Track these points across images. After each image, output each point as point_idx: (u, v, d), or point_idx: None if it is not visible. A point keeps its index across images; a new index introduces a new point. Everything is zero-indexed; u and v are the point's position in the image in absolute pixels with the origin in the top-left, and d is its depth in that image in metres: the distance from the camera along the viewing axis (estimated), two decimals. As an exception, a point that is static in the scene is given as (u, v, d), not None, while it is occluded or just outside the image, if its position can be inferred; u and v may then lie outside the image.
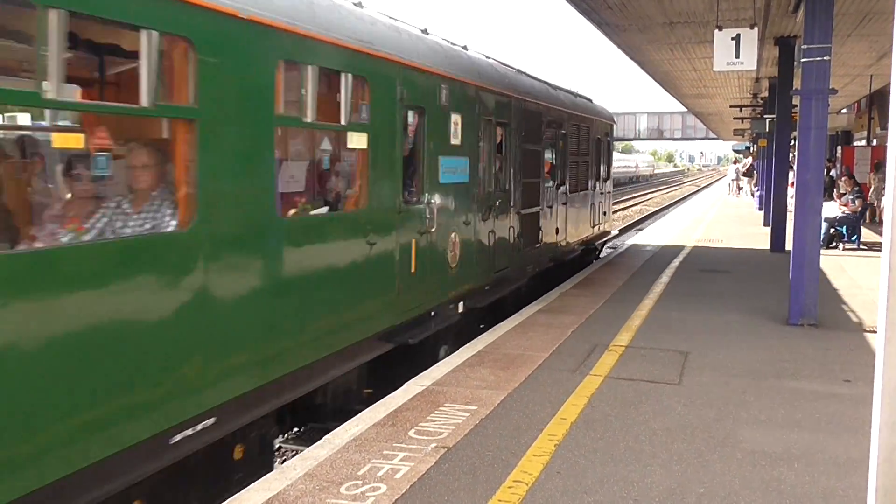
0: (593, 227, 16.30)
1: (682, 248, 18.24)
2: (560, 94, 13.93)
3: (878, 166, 25.07)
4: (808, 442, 5.79)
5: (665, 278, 13.44)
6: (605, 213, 17.58)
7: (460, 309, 9.14)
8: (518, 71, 12.09)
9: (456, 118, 8.77)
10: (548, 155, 12.88)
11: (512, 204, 10.89)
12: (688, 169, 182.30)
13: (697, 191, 66.23)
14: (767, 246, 17.55)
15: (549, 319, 9.88)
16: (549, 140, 12.79)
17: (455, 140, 8.80)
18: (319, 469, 5.13)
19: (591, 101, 16.92)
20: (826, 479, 5.11)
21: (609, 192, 18.24)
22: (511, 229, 10.90)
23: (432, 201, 8.17)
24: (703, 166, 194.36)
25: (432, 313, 8.37)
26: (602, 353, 8.19)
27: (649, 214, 39.70)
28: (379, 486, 4.86)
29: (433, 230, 8.16)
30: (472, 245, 9.44)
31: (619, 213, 41.18)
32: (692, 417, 6.26)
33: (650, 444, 5.65)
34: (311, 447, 5.58)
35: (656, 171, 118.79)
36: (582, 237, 15.34)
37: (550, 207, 12.85)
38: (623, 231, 30.71)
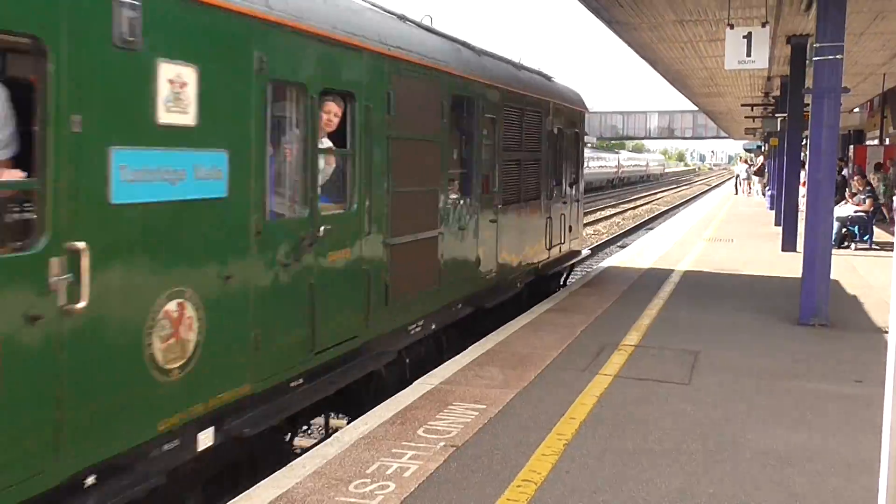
0: (550, 249, 12.19)
1: (692, 247, 18.18)
2: (487, 63, 9.60)
3: (878, 166, 25.04)
4: (819, 443, 5.76)
5: (675, 278, 13.40)
6: (570, 229, 13.45)
7: (206, 442, 4.92)
8: (401, 17, 7.82)
9: (179, 73, 4.57)
10: (460, 150, 8.96)
11: (368, 230, 6.68)
12: (698, 168, 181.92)
13: (708, 190, 66.07)
14: (779, 246, 17.47)
15: (559, 318, 9.87)
16: (461, 128, 8.90)
17: (175, 115, 4.57)
18: (328, 467, 5.14)
19: (549, 78, 12.68)
20: (836, 481, 5.09)
21: (578, 201, 14.17)
22: (365, 273, 6.64)
23: (75, 245, 3.93)
24: (714, 165, 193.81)
25: (87, 481, 4.08)
26: (612, 352, 8.18)
27: (659, 213, 39.62)
28: (388, 484, 4.87)
29: (84, 305, 3.94)
30: (241, 317, 5.14)
31: (629, 212, 41.15)
32: (702, 417, 6.24)
33: (660, 444, 5.63)
34: (319, 445, 5.59)
35: (667, 170, 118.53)
36: (530, 264, 11.29)
37: (463, 229, 8.69)
38: (633, 230, 30.67)
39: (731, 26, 12.18)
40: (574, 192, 13.73)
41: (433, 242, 8.03)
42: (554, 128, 12.14)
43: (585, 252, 15.43)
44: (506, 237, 10.10)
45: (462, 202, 8.78)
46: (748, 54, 12.11)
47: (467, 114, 8.95)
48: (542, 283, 12.26)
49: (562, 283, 14.17)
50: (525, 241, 10.99)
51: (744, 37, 12.11)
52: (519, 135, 10.57)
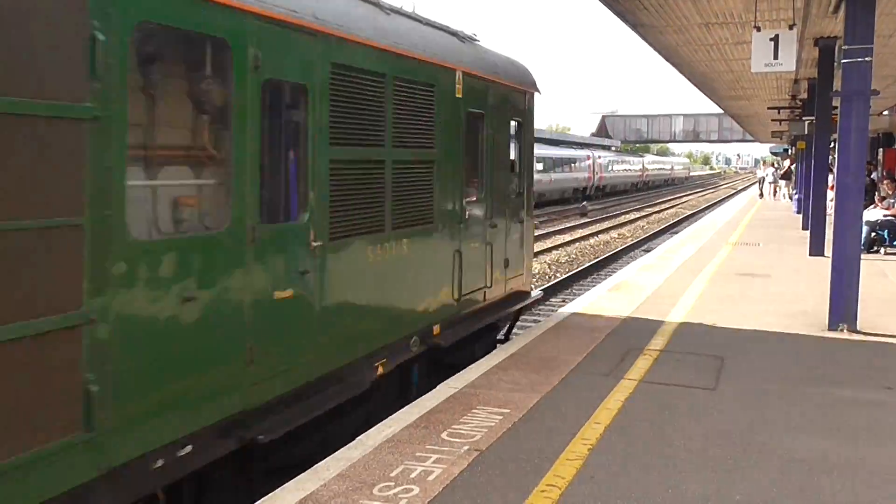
0: (463, 298, 8.17)
1: (717, 251, 18.03)
2: None
3: None
4: (848, 450, 5.68)
5: (701, 282, 13.30)
6: (507, 263, 9.32)
7: None
8: None
9: None
10: (189, 140, 5.10)
11: None
12: (724, 171, 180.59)
13: (734, 194, 65.52)
14: (806, 250, 17.27)
15: (583, 322, 9.83)
16: (195, 96, 5.03)
17: None
18: (352, 470, 5.15)
19: (464, 39, 8.54)
20: (866, 489, 5.01)
21: (523, 222, 9.87)
22: None
23: None
24: (741, 168, 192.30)
25: None
26: (636, 357, 8.13)
27: (684, 217, 39.37)
28: (412, 487, 4.87)
29: None
30: None
31: (654, 216, 40.90)
32: (728, 424, 6.18)
33: (685, 451, 5.59)
34: (344, 448, 5.61)
35: (692, 174, 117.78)
36: (411, 331, 7.19)
37: (191, 298, 4.61)
38: (658, 234, 30.50)
39: (758, 29, 12.07)
40: (514, 209, 9.56)
41: (61, 342, 3.85)
42: (467, 113, 8.13)
43: (536, 294, 11.00)
44: (341, 295, 6.01)
45: (192, 245, 4.74)
46: (775, 57, 12.00)
47: (213, 71, 4.93)
48: (450, 352, 8.07)
49: (502, 336, 10.16)
50: (398, 296, 6.92)
51: (770, 39, 12.00)
52: (379, 120, 6.48)
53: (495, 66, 9.02)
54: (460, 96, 7.96)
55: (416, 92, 7.12)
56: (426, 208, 7.38)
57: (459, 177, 8.01)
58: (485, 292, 8.75)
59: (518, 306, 9.96)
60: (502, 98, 9.11)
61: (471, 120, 8.32)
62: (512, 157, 9.61)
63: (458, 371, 7.54)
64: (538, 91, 10.31)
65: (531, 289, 10.76)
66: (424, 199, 7.34)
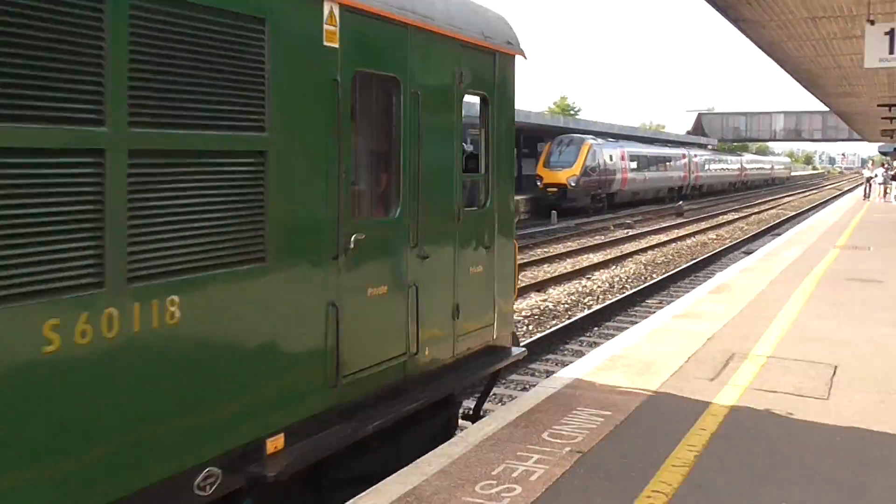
0: (342, 380, 4.82)
1: (825, 254, 17.30)
2: None
3: None
4: (977, 467, 5.35)
5: (808, 287, 12.79)
6: (455, 312, 6.03)
7: None
8: None
9: None
10: None
11: None
12: (828, 171, 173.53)
13: (839, 195, 62.82)
14: (921, 254, 16.40)
15: (684, 325, 9.58)
16: None
17: None
18: (454, 466, 5.16)
19: None
20: None
21: (491, 247, 6.52)
22: None
23: None
24: (846, 169, 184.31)
25: None
26: (742, 362, 7.87)
27: (786, 219, 38.03)
28: (514, 487, 4.85)
29: None
30: None
31: (753, 216, 39.61)
32: (842, 436, 5.91)
33: (797, 463, 5.37)
34: (444, 444, 5.63)
35: (793, 174, 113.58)
36: (169, 468, 3.76)
37: None
38: (758, 235, 29.55)
39: (872, 22, 11.57)
40: (471, 230, 6.27)
41: None
42: (358, 75, 5.00)
43: (518, 351, 7.14)
44: None
45: None
46: (891, 52, 11.47)
47: None
48: (357, 459, 5.27)
49: (472, 410, 7.00)
50: (155, 405, 3.72)
51: (886, 33, 11.49)
52: (82, 73, 3.34)
53: (428, 5, 5.63)
54: (335, 45, 4.73)
55: (203, 29, 3.91)
56: (245, 235, 4.19)
57: (333, 180, 4.75)
58: (404, 363, 5.50)
59: (483, 372, 6.56)
60: (443, 57, 5.85)
61: (366, 86, 5.32)
62: (470, 149, 6.66)
63: (378, 481, 4.96)
64: (522, 54, 6.88)
65: (512, 342, 7.10)
66: (236, 218, 4.15)
